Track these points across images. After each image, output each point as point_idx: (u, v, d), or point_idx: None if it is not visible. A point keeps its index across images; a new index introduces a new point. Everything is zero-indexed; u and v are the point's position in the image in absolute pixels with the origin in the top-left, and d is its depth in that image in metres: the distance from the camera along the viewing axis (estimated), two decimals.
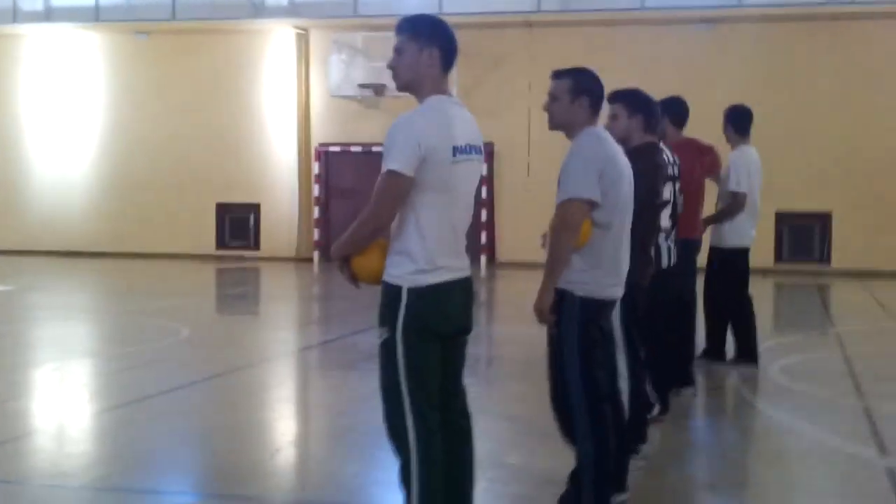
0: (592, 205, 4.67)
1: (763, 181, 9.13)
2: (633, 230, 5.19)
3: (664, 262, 6.63)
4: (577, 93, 4.82)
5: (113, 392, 8.40)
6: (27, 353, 10.58)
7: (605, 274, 4.82)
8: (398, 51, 4.14)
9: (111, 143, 23.23)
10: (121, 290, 16.94)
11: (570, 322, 4.78)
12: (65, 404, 7.91)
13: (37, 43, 23.62)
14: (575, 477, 4.99)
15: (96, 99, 23.37)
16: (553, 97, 4.89)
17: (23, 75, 23.74)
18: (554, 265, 4.67)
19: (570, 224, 4.64)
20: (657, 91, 6.46)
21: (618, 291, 4.94)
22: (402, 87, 4.18)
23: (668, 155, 6.69)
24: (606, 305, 4.91)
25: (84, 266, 20.97)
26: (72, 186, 23.38)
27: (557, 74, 4.93)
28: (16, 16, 23.35)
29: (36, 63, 23.68)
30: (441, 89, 4.11)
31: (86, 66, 23.41)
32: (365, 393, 7.56)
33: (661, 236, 6.56)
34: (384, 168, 3.94)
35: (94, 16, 22.97)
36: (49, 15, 23.46)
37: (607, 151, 4.78)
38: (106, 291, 17.08)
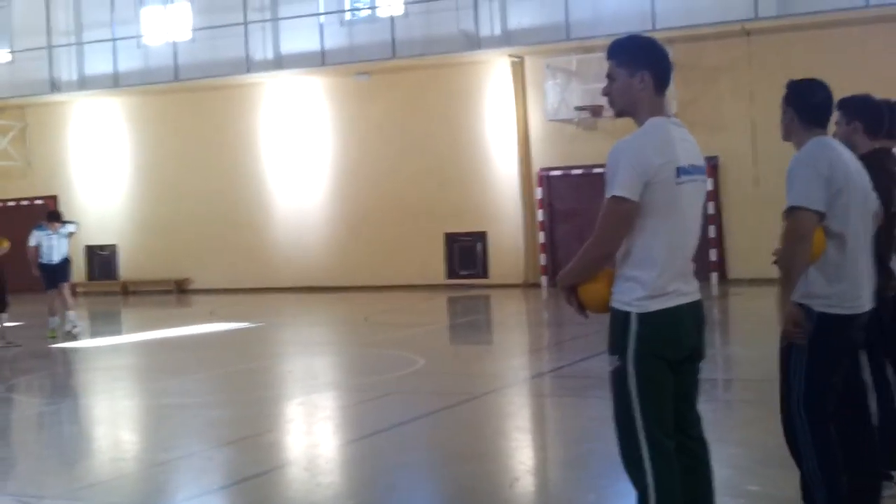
0: (821, 214, 4.53)
1: None
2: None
3: None
4: (787, 104, 4.79)
5: (357, 423, 8.73)
6: (277, 386, 11.17)
7: (848, 287, 4.64)
8: (610, 77, 4.14)
9: (341, 180, 24.21)
10: (357, 322, 17.57)
11: (808, 339, 4.63)
12: (314, 436, 8.32)
13: (269, 90, 24.95)
14: (807, 495, 4.81)
15: (325, 139, 24.43)
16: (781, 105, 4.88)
17: (259, 121, 25.12)
18: (787, 277, 4.53)
19: (799, 233, 4.49)
20: (888, 93, 6.16)
21: (862, 306, 4.73)
22: (618, 113, 4.17)
23: None
24: (847, 321, 4.70)
25: (322, 300, 21.92)
26: (307, 224, 24.49)
27: (787, 84, 4.89)
28: (249, 66, 24.78)
29: (269, 109, 25.02)
30: (659, 111, 4.07)
31: (314, 108, 24.53)
32: (599, 420, 7.54)
33: None
34: (608, 194, 3.93)
35: (320, 60, 24.08)
36: (279, 63, 24.78)
37: (832, 158, 4.62)
38: (343, 324, 17.75)
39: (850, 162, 4.73)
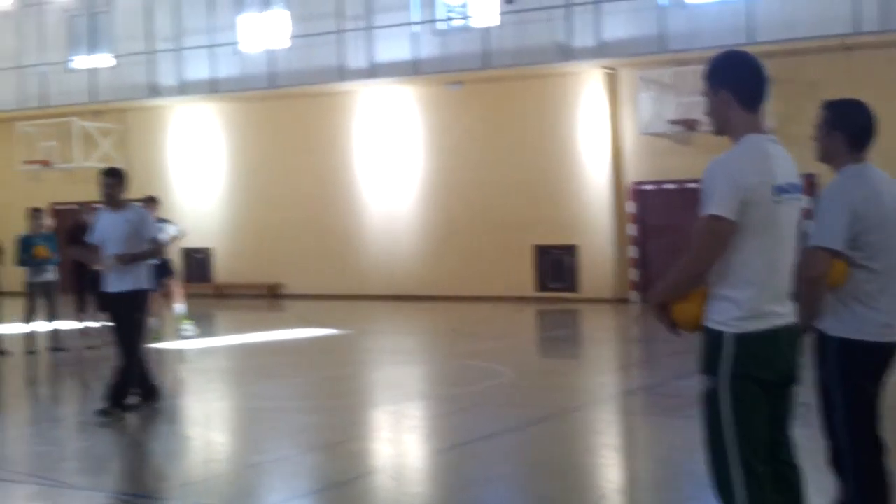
0: (839, 253, 4.46)
1: None
2: None
3: None
4: (832, 126, 4.68)
5: (443, 434, 8.78)
6: (365, 394, 11.29)
7: (869, 313, 4.56)
8: (703, 95, 4.14)
9: (431, 190, 24.31)
10: (446, 332, 17.65)
11: (833, 364, 4.61)
12: (401, 445, 8.38)
13: (363, 98, 25.20)
14: None
15: (416, 148, 24.57)
16: (816, 128, 4.77)
17: (352, 129, 25.38)
18: (804, 313, 4.41)
19: (812, 277, 4.44)
20: None
21: (889, 335, 4.63)
22: (715, 132, 4.15)
23: None
24: (877, 349, 4.62)
25: (410, 309, 22.04)
26: (397, 233, 24.65)
27: (823, 105, 4.81)
28: (343, 74, 25.07)
29: (362, 117, 25.26)
30: (754, 127, 4.01)
31: (406, 117, 24.70)
32: (690, 441, 7.44)
33: None
34: (704, 212, 3.88)
35: (413, 69, 24.25)
36: (373, 72, 25.00)
37: (866, 191, 4.54)
38: (432, 334, 17.85)
39: (885, 193, 4.64)
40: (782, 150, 4.07)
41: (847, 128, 4.66)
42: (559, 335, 17.77)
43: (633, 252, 21.99)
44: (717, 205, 3.85)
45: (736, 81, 4.01)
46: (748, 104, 4.00)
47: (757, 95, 4.03)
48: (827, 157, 4.75)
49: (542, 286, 22.93)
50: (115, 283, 9.12)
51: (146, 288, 9.31)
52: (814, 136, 4.79)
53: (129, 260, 9.03)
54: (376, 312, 21.49)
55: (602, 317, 19.90)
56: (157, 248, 9.53)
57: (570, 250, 22.71)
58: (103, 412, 9.03)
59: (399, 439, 8.66)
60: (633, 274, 21.89)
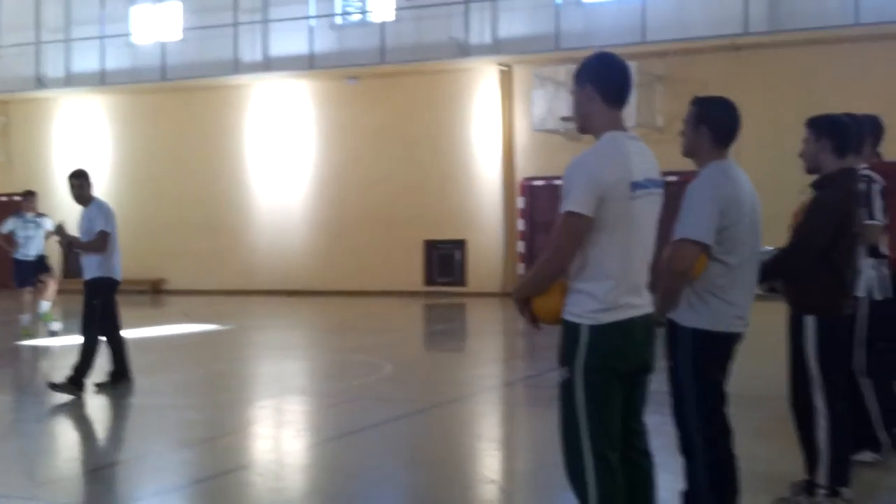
0: (706, 246, 4.55)
1: None
2: (828, 258, 5.17)
3: (876, 294, 6.26)
4: (699, 121, 4.77)
5: (319, 428, 8.65)
6: (244, 390, 11.05)
7: (723, 306, 4.66)
8: (571, 92, 4.21)
9: (324, 185, 24.12)
10: (332, 327, 17.52)
11: (685, 354, 4.70)
12: (275, 439, 8.22)
13: (256, 92, 24.85)
14: (687, 498, 4.86)
15: (310, 143, 24.33)
16: (684, 123, 4.87)
17: (245, 123, 25.01)
18: (662, 304, 4.53)
19: (678, 268, 4.52)
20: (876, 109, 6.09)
21: (738, 326, 4.76)
22: (578, 129, 4.23)
23: (875, 179, 6.26)
24: (726, 338, 4.73)
25: (298, 304, 21.81)
26: (287, 228, 24.40)
27: (692, 101, 4.91)
28: (237, 67, 24.69)
29: (256, 111, 24.91)
30: (613, 125, 4.07)
31: (301, 111, 24.43)
32: None
33: (871, 263, 6.21)
34: (563, 209, 3.95)
35: (309, 64, 24.00)
36: (267, 65, 24.68)
37: (728, 190, 4.65)
38: (318, 329, 17.71)
39: (744, 190, 4.74)
40: (642, 147, 4.13)
41: (715, 125, 4.74)
42: (444, 329, 17.78)
43: (521, 247, 22.12)
44: (575, 202, 3.92)
45: (601, 78, 4.09)
46: (611, 101, 4.08)
47: (620, 93, 4.11)
48: (692, 152, 4.84)
49: (431, 281, 22.94)
50: (85, 271, 10.18)
51: (100, 276, 10.11)
52: (681, 132, 4.88)
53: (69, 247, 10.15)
54: (262, 308, 21.26)
55: (489, 311, 20.02)
56: (92, 243, 10.00)
57: (459, 245, 22.74)
58: (56, 385, 9.73)
59: (273, 434, 8.50)
60: (521, 269, 22.03)
